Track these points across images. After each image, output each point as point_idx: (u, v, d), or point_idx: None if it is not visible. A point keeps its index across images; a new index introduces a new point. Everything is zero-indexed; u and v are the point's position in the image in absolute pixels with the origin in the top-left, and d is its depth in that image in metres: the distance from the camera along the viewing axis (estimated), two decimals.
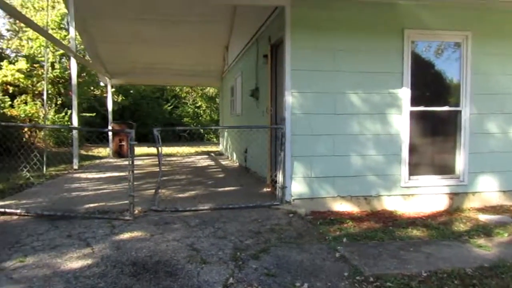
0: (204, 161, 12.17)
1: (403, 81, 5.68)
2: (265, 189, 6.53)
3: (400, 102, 5.71)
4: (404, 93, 5.69)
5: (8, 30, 22.90)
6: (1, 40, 24.97)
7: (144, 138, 17.91)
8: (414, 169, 5.82)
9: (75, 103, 9.64)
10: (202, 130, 25.32)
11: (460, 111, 5.87)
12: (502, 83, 5.97)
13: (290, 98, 5.41)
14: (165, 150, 15.59)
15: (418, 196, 5.81)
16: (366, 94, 5.64)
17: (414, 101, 5.75)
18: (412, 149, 5.79)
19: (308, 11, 5.43)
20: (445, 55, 6.04)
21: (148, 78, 15.64)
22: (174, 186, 7.09)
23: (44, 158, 8.53)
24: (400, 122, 5.71)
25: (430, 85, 6.00)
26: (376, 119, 5.69)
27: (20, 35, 20.04)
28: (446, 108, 5.90)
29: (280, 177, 5.47)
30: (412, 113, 5.75)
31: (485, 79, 5.90)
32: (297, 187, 5.52)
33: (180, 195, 6.18)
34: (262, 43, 7.22)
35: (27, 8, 19.38)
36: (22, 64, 16.69)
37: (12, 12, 7.31)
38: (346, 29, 5.56)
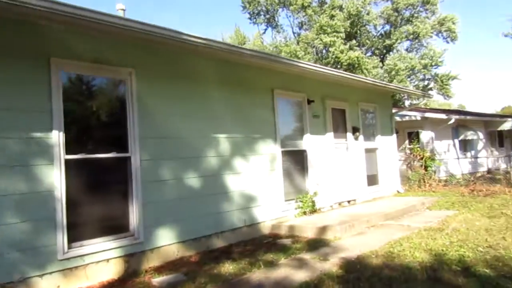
0: None
1: (54, 123, 4.42)
2: None
3: (51, 149, 4.40)
4: (56, 138, 4.43)
5: None
6: None
7: None
8: (76, 234, 4.55)
9: None
10: None
11: (129, 158, 5.10)
12: (173, 126, 5.66)
13: None
14: None
15: (84, 268, 4.53)
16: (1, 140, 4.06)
17: (72, 148, 4.58)
18: (73, 209, 4.53)
19: None
20: (109, 93, 5.23)
21: None
22: None
23: None
24: (54, 175, 4.39)
25: (92, 128, 4.98)
26: (17, 173, 4.16)
27: None
28: (113, 154, 5.00)
29: None
30: (69, 163, 4.53)
31: (155, 121, 5.42)
32: None
33: None
34: None
35: None
36: None
37: None
38: None
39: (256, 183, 6.81)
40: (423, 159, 13.12)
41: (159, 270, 4.93)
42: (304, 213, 7.57)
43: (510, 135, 22.47)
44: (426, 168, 12.98)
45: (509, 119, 21.07)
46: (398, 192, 11.16)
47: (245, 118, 6.77)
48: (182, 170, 5.68)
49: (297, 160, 7.88)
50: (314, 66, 7.45)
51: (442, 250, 4.90)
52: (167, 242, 5.35)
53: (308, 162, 8.03)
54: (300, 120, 8.08)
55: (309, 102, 8.12)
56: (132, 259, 4.96)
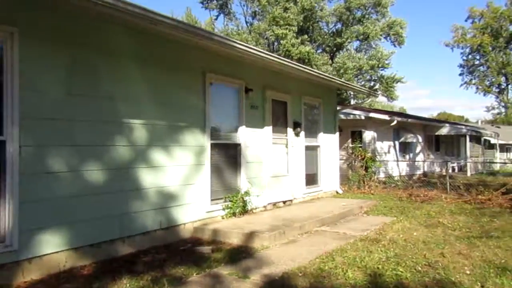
0: None
1: None
2: None
3: None
4: None
5: None
6: None
7: None
8: None
9: None
10: None
11: (4, 142, 3.97)
12: (71, 105, 4.56)
13: None
14: None
15: None
16: None
17: None
18: None
19: None
20: None
21: None
22: None
23: None
24: None
25: None
26: None
27: None
28: None
29: None
30: None
31: (46, 98, 4.31)
32: None
33: None
34: None
35: None
36: None
37: None
38: None
39: (178, 179, 5.88)
40: (365, 160, 12.86)
41: (35, 286, 3.89)
42: (234, 214, 6.78)
43: (446, 140, 23.26)
44: (366, 169, 12.74)
45: (447, 124, 21.74)
46: (337, 193, 10.73)
47: (169, 103, 5.80)
48: (80, 160, 4.62)
49: (229, 155, 7.04)
50: (253, 49, 6.58)
51: (378, 268, 4.30)
52: (52, 249, 4.28)
53: (242, 157, 7.23)
54: (235, 110, 7.23)
55: (247, 91, 7.30)
56: (1, 272, 3.87)
